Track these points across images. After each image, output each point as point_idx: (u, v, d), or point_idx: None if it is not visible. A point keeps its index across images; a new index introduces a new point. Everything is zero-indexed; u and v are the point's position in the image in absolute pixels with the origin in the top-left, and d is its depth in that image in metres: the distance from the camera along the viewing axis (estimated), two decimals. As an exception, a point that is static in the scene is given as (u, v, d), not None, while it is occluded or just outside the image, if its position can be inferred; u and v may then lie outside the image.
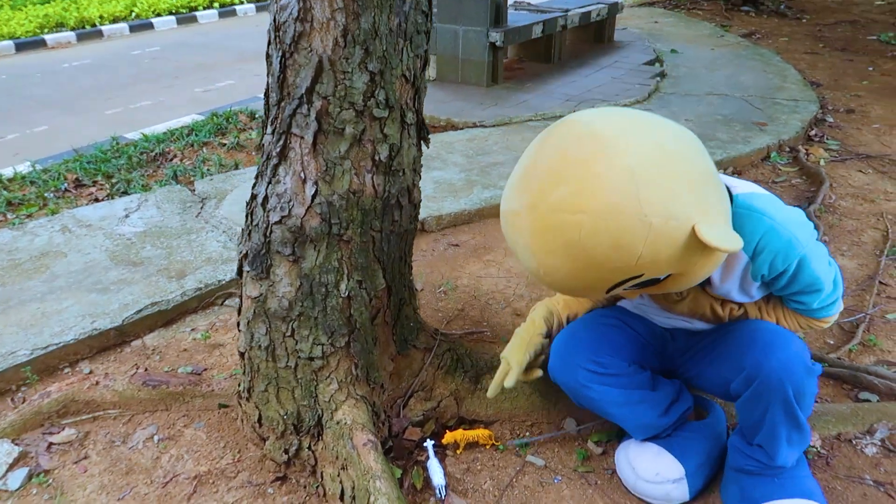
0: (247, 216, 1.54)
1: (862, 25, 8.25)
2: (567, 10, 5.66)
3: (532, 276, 1.22)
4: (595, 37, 6.60)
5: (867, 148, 3.92)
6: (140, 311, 2.12)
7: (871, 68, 5.98)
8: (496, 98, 4.65)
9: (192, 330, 2.16)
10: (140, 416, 1.77)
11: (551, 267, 1.14)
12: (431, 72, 5.08)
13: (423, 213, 2.84)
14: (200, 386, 1.78)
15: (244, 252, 1.54)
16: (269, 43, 1.45)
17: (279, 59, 1.41)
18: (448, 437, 1.64)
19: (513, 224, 1.18)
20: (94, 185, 3.45)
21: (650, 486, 1.50)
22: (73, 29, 9.39)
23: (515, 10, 5.82)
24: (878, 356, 2.07)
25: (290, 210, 1.45)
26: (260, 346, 1.55)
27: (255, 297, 1.53)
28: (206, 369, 1.95)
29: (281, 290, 1.50)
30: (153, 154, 3.89)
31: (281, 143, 1.45)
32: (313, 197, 1.44)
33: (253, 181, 1.54)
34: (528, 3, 6.08)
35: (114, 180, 3.48)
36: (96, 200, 3.26)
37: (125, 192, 3.31)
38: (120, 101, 6.13)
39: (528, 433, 1.74)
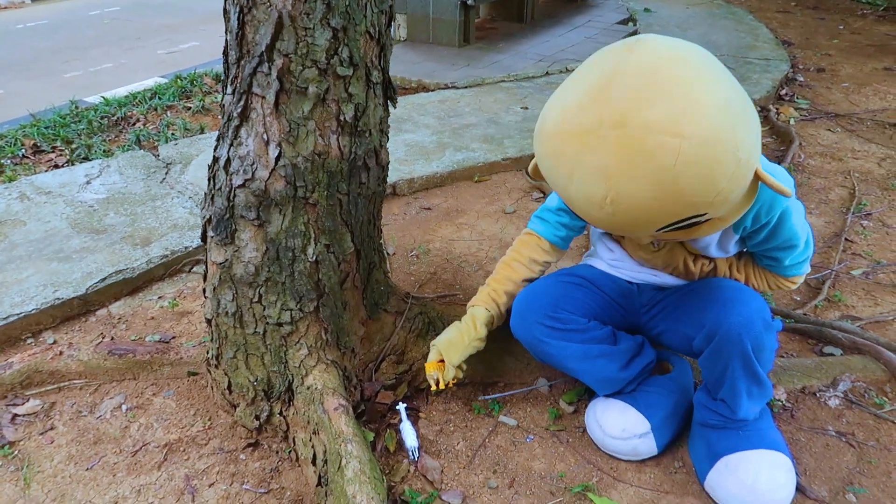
0: (209, 180, 1.50)
1: (833, -17, 8.24)
2: (539, -32, 5.57)
3: (585, 205, 1.07)
4: (568, -5, 6.51)
5: (836, 107, 3.95)
6: (104, 279, 2.07)
7: (841, 27, 6.00)
8: (468, 58, 4.57)
9: (160, 298, 2.12)
10: (107, 386, 1.74)
11: (626, 194, 1.03)
12: (402, 31, 4.97)
13: (394, 177, 2.80)
14: (168, 354, 1.75)
15: (208, 217, 1.50)
16: (226, -3, 1.39)
17: (237, 14, 1.35)
18: (428, 367, 1.58)
19: (583, 142, 1.03)
20: (53, 151, 3.34)
21: (617, 441, 1.52)
22: (27, -12, 9.01)
23: (487, -33, 5.69)
24: (842, 311, 2.11)
25: (253, 173, 1.41)
26: (227, 313, 1.52)
27: (221, 263, 1.49)
28: (174, 337, 1.92)
29: (247, 256, 1.47)
30: (115, 118, 3.77)
31: (242, 103, 1.40)
32: (277, 159, 1.40)
33: (215, 143, 1.50)
34: (500, -39, 5.95)
35: (74, 146, 3.37)
36: (56, 167, 3.16)
37: (86, 158, 3.20)
38: (79, 64, 5.92)
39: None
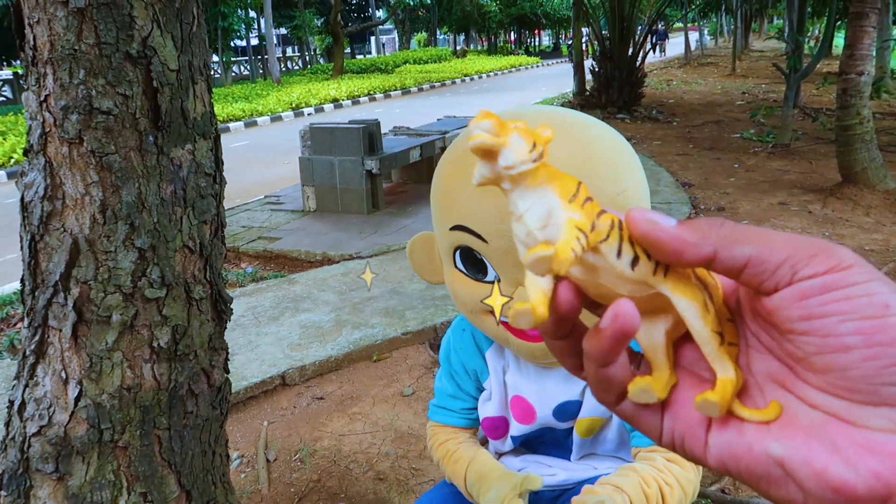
0: (5, 426, 1.28)
1: (726, 124, 8.94)
2: (445, 132, 5.78)
3: None
4: (479, 154, 6.76)
5: (737, 245, 4.03)
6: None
7: (736, 165, 6.37)
8: (376, 225, 4.57)
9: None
10: None
11: None
12: (311, 203, 4.98)
13: (285, 365, 2.61)
14: None
15: (1, 472, 1.27)
16: (21, 223, 1.26)
17: (28, 242, 1.22)
18: None
19: None
20: (-85, 366, 3.03)
21: None
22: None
23: (394, 134, 5.90)
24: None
25: (50, 417, 1.21)
26: (22, 591, 1.24)
27: (14, 529, 1.24)
28: None
29: (44, 517, 1.22)
30: (-5, 320, 3.52)
31: (37, 338, 1.22)
32: (77, 399, 1.21)
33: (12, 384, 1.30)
34: (407, 128, 6.19)
35: (-62, 358, 3.07)
36: (-89, 385, 2.84)
37: (-53, 373, 2.90)
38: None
39: None
